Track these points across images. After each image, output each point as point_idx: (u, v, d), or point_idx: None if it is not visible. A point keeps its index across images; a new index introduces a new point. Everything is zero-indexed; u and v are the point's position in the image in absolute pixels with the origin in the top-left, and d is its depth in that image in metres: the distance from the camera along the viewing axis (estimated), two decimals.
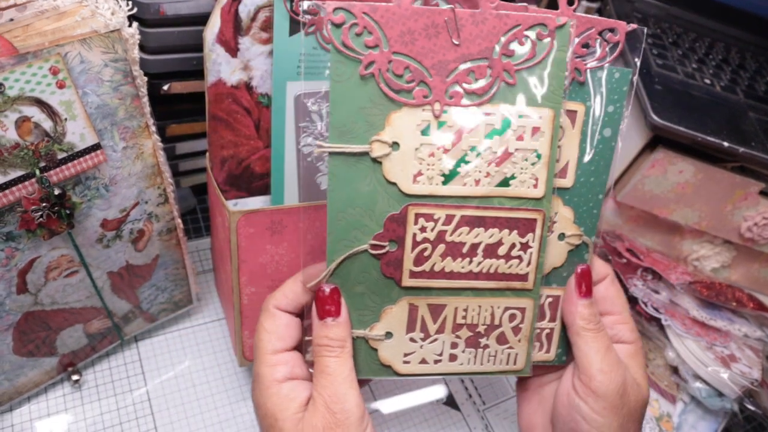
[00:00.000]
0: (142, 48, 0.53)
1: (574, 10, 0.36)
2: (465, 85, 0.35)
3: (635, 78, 0.38)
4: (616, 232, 0.74)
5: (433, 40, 0.34)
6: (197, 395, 0.57)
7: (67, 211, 0.43)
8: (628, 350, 0.39)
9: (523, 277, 0.38)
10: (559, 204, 0.39)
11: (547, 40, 0.35)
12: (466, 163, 0.35)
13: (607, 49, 0.37)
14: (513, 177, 0.36)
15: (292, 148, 0.47)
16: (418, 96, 0.34)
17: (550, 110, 0.36)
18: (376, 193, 0.35)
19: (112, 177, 0.46)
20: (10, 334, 0.48)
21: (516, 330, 0.38)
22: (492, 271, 0.37)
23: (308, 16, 0.36)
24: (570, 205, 0.39)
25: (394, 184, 0.35)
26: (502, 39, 0.35)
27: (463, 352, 0.38)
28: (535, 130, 0.36)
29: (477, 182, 0.36)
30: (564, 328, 0.39)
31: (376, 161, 0.34)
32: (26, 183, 0.41)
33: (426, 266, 0.36)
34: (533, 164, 0.36)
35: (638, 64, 0.39)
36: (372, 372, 0.38)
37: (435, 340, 0.38)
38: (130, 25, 0.43)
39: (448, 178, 0.35)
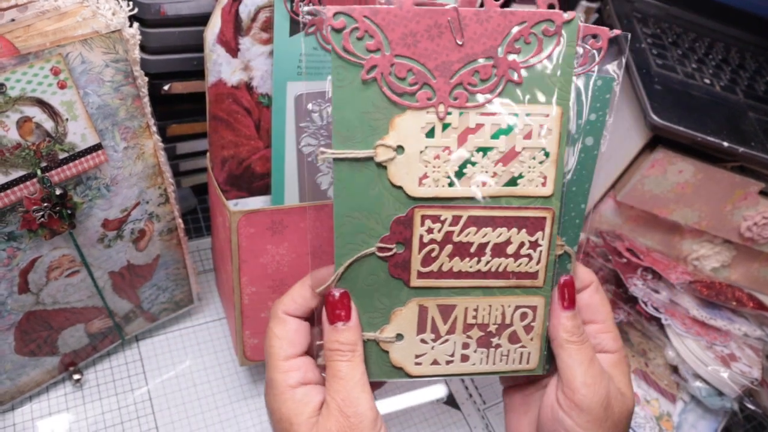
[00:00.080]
0: (143, 48, 0.53)
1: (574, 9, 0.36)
2: (470, 86, 0.34)
3: (618, 86, 0.37)
4: (616, 232, 0.74)
5: (436, 41, 0.34)
6: (198, 394, 0.57)
7: (69, 211, 0.44)
8: (612, 360, 0.38)
9: (533, 275, 0.37)
10: None
11: (554, 36, 0.34)
12: (473, 164, 0.35)
13: (588, 55, 0.36)
14: (521, 176, 0.36)
15: (292, 148, 0.47)
16: (422, 99, 0.34)
17: (558, 107, 0.35)
18: (381, 196, 0.35)
19: (113, 177, 0.46)
20: (12, 334, 0.48)
21: (528, 328, 0.38)
22: (501, 269, 0.37)
23: (309, 16, 0.36)
24: None
25: (400, 187, 0.35)
26: (508, 37, 0.34)
27: (475, 352, 0.38)
28: (543, 128, 0.35)
29: (484, 183, 0.35)
30: (546, 338, 0.39)
31: (381, 166, 0.34)
32: (28, 183, 0.41)
33: (434, 267, 0.36)
34: (541, 162, 0.36)
35: (621, 73, 0.38)
36: (384, 374, 0.37)
37: (446, 340, 0.37)
38: (131, 26, 0.43)
39: (455, 179, 0.35)
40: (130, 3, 0.43)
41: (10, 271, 0.44)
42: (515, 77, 0.35)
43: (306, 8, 0.33)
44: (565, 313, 0.37)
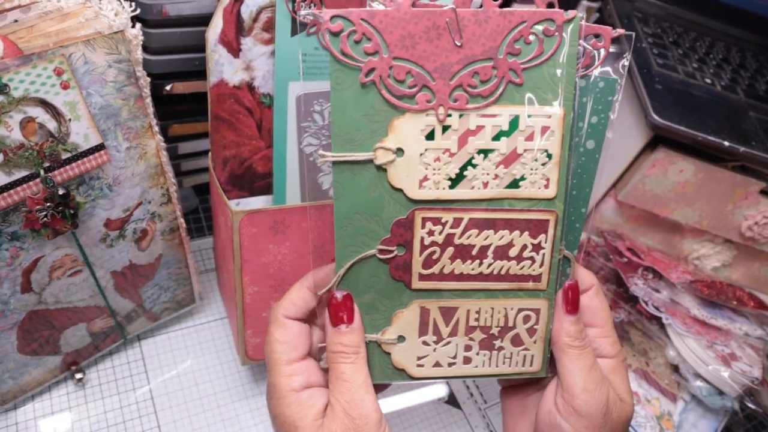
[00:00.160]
0: (145, 49, 0.53)
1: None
2: (469, 88, 0.34)
3: (620, 87, 0.36)
4: (617, 231, 0.74)
5: (434, 43, 0.33)
6: (200, 394, 0.57)
7: (71, 211, 0.44)
8: (610, 365, 0.38)
9: (537, 278, 0.37)
10: None
11: (556, 35, 0.34)
12: (474, 166, 0.35)
13: (590, 56, 0.36)
14: (523, 178, 0.35)
15: (294, 148, 0.47)
16: (421, 101, 0.34)
17: (560, 108, 0.34)
18: (382, 199, 0.34)
19: (115, 177, 0.46)
20: (15, 333, 0.48)
21: (531, 331, 0.38)
22: (503, 272, 0.36)
23: (309, 16, 0.35)
24: None
25: (400, 190, 0.34)
26: (507, 37, 0.34)
27: (478, 354, 0.38)
28: (545, 129, 0.35)
29: (485, 185, 0.35)
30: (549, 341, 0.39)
31: (381, 168, 0.34)
32: (31, 183, 0.41)
33: (435, 269, 0.36)
34: (544, 164, 0.35)
35: (624, 74, 0.37)
36: (386, 376, 0.37)
37: (448, 342, 0.37)
38: (133, 26, 0.44)
39: (455, 182, 0.35)
40: (133, 4, 0.43)
41: (13, 271, 0.44)
42: (516, 78, 0.34)
43: (303, 12, 0.33)
44: (568, 318, 0.37)
